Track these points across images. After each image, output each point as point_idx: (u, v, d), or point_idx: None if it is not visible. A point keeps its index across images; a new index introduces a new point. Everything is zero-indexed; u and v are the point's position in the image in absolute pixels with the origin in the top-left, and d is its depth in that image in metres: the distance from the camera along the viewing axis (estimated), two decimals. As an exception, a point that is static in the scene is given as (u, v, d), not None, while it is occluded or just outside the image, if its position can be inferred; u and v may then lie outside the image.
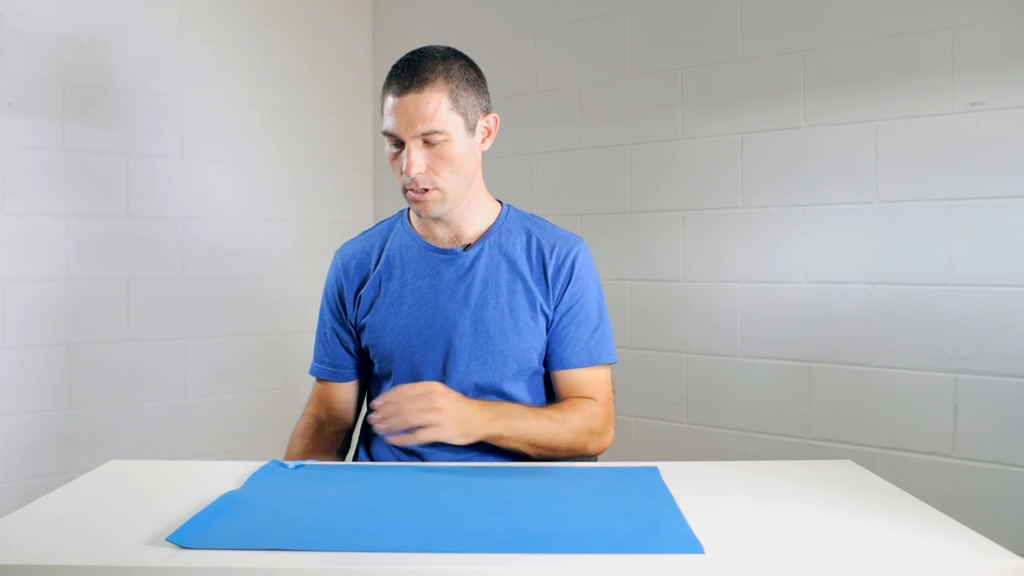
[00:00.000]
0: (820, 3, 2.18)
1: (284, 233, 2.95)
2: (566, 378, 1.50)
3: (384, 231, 1.57)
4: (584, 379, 1.50)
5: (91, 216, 2.53)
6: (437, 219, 1.48)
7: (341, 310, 1.55)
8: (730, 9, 2.34)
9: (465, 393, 1.45)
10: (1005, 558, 0.92)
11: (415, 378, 1.47)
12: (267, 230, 2.91)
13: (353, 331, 1.55)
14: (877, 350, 2.10)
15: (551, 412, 1.42)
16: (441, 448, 1.48)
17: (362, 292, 1.52)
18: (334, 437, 1.61)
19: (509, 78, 2.77)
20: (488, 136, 1.48)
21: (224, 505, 1.08)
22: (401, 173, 1.40)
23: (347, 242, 1.60)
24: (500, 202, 1.56)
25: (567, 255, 1.49)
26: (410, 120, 1.37)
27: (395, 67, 1.42)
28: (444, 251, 1.49)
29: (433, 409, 1.29)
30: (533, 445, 1.38)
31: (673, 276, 2.45)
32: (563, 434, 1.41)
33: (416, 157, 1.37)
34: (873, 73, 2.09)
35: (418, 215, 1.46)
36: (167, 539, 0.96)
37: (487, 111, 1.46)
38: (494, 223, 1.51)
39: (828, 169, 2.17)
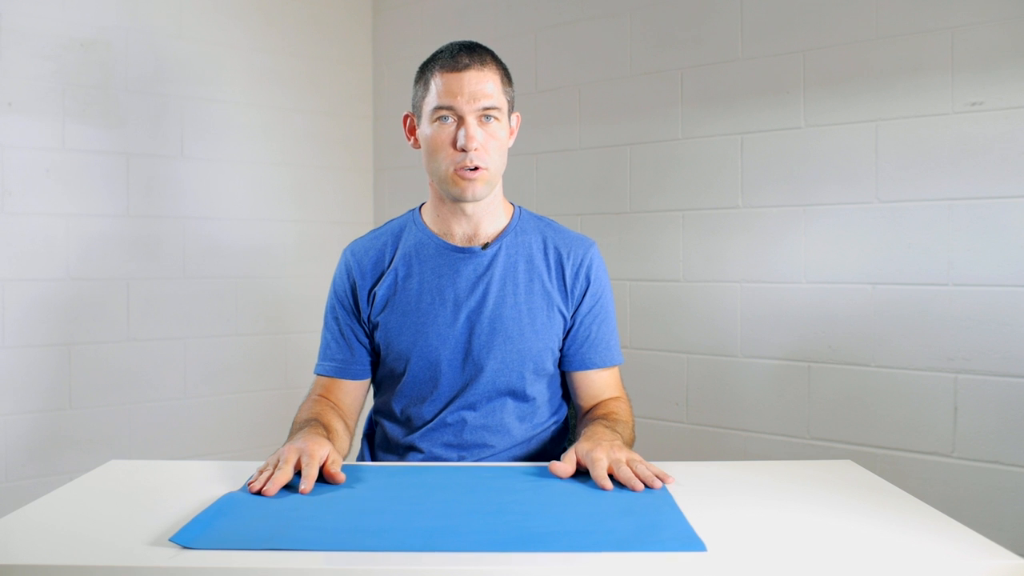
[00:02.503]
0: (820, 3, 2.18)
1: (284, 233, 2.95)
2: (590, 379, 1.51)
3: (395, 230, 1.55)
4: (607, 379, 1.52)
5: (91, 216, 2.53)
6: (461, 213, 1.47)
7: (355, 306, 1.52)
8: (730, 9, 2.34)
9: (486, 392, 1.46)
10: (1005, 558, 0.92)
11: (433, 377, 1.46)
12: (267, 230, 2.91)
13: (367, 327, 1.52)
14: (877, 350, 2.10)
15: (618, 419, 1.44)
16: (440, 447, 1.48)
17: (376, 289, 1.50)
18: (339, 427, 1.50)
19: (509, 78, 2.77)
20: (511, 134, 1.50)
21: (225, 505, 1.08)
22: (452, 151, 1.40)
23: (356, 240, 1.58)
24: (511, 203, 1.56)
25: (583, 258, 1.51)
26: (472, 95, 1.39)
27: (444, 51, 1.43)
28: (463, 249, 1.48)
29: (622, 450, 1.26)
30: None
31: (673, 276, 2.45)
32: (631, 432, 1.45)
33: (477, 132, 1.39)
34: (873, 73, 2.10)
35: (459, 198, 1.43)
36: (170, 539, 0.96)
37: (514, 108, 1.50)
38: (509, 223, 1.52)
39: (828, 169, 2.17)
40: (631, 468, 1.19)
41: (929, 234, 2.02)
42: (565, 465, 1.24)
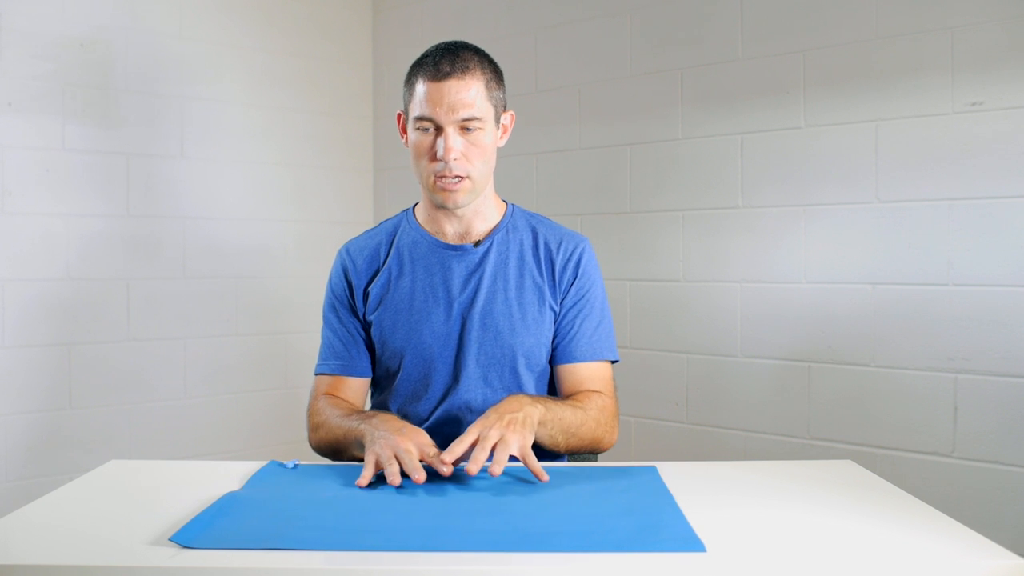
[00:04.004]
0: (820, 3, 2.18)
1: (284, 233, 2.95)
2: (572, 372, 1.50)
3: (390, 229, 1.57)
4: (590, 373, 1.50)
5: (91, 216, 2.53)
6: (452, 213, 1.48)
7: (352, 304, 1.53)
8: (730, 9, 2.34)
9: (479, 389, 1.46)
10: (1005, 558, 0.92)
11: (426, 374, 1.47)
12: (267, 230, 2.91)
13: (364, 325, 1.53)
14: (877, 350, 2.10)
15: (572, 401, 1.42)
16: (437, 447, 1.49)
17: (371, 288, 1.51)
18: None
19: (509, 78, 2.74)
20: (504, 133, 1.50)
21: (225, 505, 1.08)
22: (432, 160, 1.40)
23: (352, 240, 1.59)
24: (504, 201, 1.57)
25: (573, 252, 1.51)
26: (451, 105, 1.38)
27: (429, 56, 1.42)
28: (455, 247, 1.50)
29: (505, 427, 1.24)
30: (565, 431, 1.35)
31: (673, 276, 2.45)
32: (588, 423, 1.40)
33: (455, 143, 1.39)
34: (873, 73, 2.10)
35: (442, 205, 1.45)
36: (170, 539, 0.96)
37: (506, 107, 1.50)
38: (501, 220, 1.53)
39: (828, 169, 2.17)
40: (495, 449, 1.18)
41: (929, 234, 2.02)
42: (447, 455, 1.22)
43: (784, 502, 1.14)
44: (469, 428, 1.23)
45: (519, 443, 1.21)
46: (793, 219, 2.23)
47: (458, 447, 1.20)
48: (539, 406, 1.31)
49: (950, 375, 1.99)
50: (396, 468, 1.18)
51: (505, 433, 1.21)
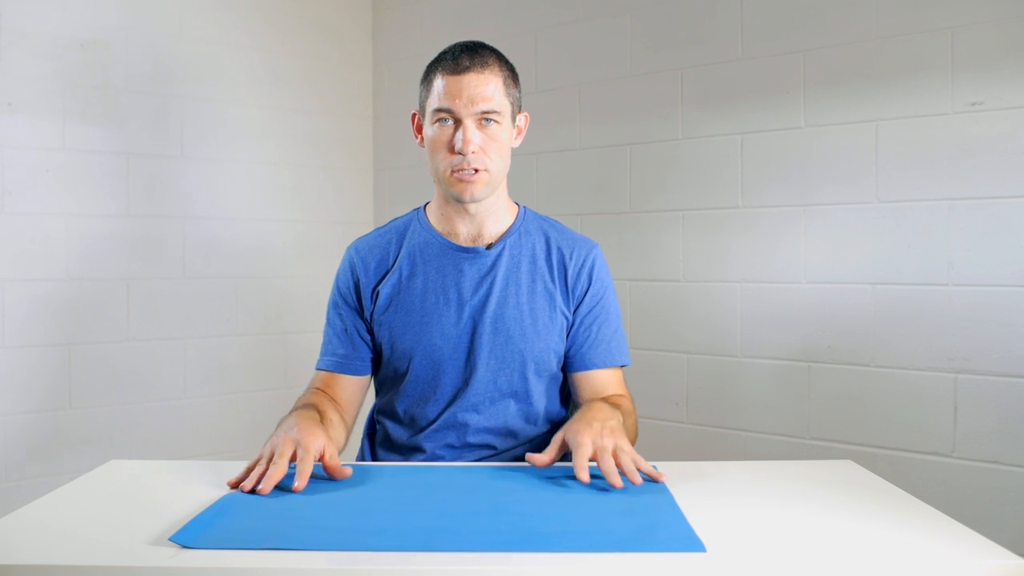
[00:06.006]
0: (820, 3, 2.18)
1: (284, 233, 2.95)
2: (591, 378, 1.50)
3: (400, 228, 1.55)
4: (610, 379, 1.51)
5: (91, 216, 2.53)
6: (465, 212, 1.47)
7: (358, 303, 1.52)
8: (730, 9, 2.34)
9: (488, 393, 1.46)
10: (1005, 558, 0.92)
11: (435, 376, 1.47)
12: (267, 230, 2.91)
13: (369, 325, 1.52)
14: (877, 350, 2.10)
15: (620, 406, 1.41)
16: (443, 448, 1.49)
17: (380, 288, 1.50)
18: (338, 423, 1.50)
19: (509, 78, 2.77)
20: (519, 134, 1.50)
21: (226, 505, 1.08)
22: (451, 153, 1.40)
23: (361, 237, 1.58)
24: (516, 203, 1.57)
25: (586, 259, 1.51)
26: (471, 98, 1.39)
27: (448, 52, 1.43)
28: (467, 249, 1.49)
29: (611, 435, 1.23)
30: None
31: (673, 276, 2.45)
32: (630, 425, 1.41)
33: (474, 135, 1.39)
34: (873, 73, 2.10)
35: (458, 199, 1.44)
36: (170, 539, 0.96)
37: (521, 108, 1.50)
38: (513, 223, 1.52)
39: (828, 169, 2.17)
40: (617, 458, 1.18)
41: (929, 234, 2.02)
42: (542, 456, 1.23)
43: (784, 502, 1.14)
44: (578, 444, 1.19)
45: (628, 447, 1.22)
46: (793, 219, 2.23)
47: (584, 466, 1.16)
48: (616, 412, 1.31)
49: (950, 375, 1.99)
50: (280, 469, 1.14)
51: (617, 441, 1.21)
